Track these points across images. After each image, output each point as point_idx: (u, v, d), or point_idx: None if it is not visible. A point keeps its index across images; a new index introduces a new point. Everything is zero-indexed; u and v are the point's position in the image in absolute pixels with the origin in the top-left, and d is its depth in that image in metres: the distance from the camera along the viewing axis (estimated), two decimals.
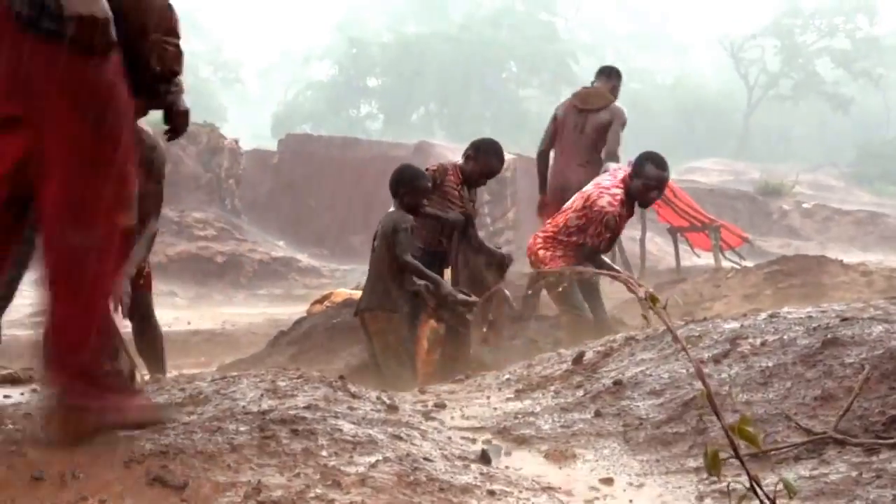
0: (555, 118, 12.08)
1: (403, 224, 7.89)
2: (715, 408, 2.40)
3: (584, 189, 9.49)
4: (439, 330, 8.01)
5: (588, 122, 11.66)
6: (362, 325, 8.23)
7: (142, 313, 7.86)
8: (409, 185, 8.06)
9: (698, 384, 4.16)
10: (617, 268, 9.82)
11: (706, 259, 22.90)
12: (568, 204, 9.48)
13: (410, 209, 8.04)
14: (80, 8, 3.51)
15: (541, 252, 9.48)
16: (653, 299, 2.54)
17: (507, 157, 34.22)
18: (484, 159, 8.96)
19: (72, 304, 3.84)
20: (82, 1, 3.51)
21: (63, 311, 3.85)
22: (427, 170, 8.78)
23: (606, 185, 9.22)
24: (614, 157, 11.30)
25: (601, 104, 11.62)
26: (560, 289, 9.16)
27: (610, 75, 12.14)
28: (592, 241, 9.13)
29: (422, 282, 7.96)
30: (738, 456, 2.36)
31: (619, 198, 9.10)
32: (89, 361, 3.69)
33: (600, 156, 11.47)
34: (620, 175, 9.28)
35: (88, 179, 3.76)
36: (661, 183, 9.19)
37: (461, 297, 8.02)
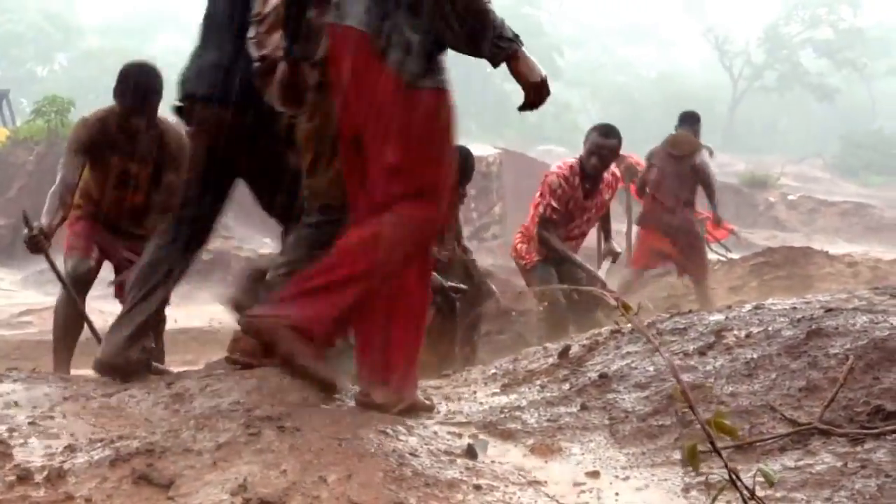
0: (651, 166, 12.67)
1: None
2: (690, 403, 2.40)
3: None
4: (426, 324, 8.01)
5: (682, 166, 12.37)
6: None
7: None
8: None
9: (684, 377, 4.17)
10: (588, 267, 9.79)
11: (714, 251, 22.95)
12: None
13: None
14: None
15: (519, 247, 9.70)
16: (625, 307, 2.55)
17: (493, 151, 34.03)
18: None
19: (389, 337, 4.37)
20: None
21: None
22: None
23: (562, 160, 9.47)
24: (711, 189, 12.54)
25: (691, 149, 12.13)
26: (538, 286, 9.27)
27: (692, 121, 12.76)
28: (542, 210, 9.38)
29: None
30: (715, 449, 2.37)
31: (568, 164, 9.45)
32: None
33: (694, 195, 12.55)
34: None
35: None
36: (601, 149, 9.31)
37: (451, 284, 8.05)
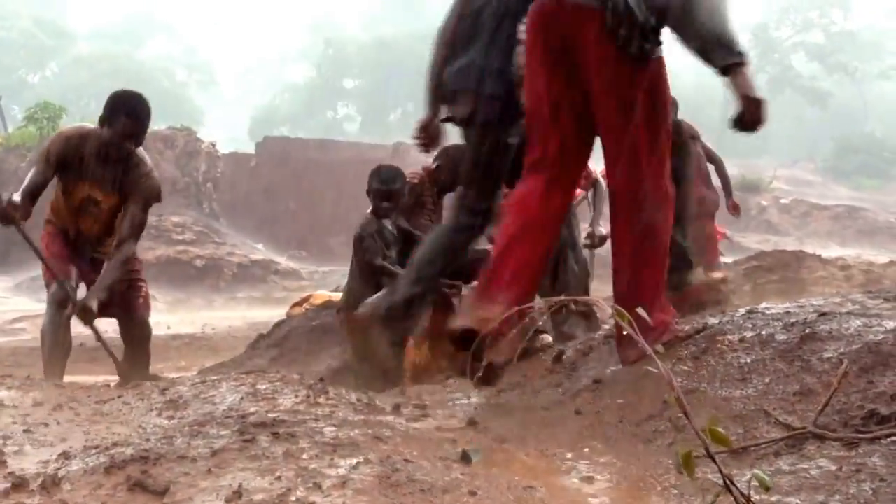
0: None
1: (368, 230, 8.00)
2: (685, 410, 2.41)
3: None
4: (422, 323, 8.04)
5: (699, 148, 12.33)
6: (342, 325, 8.37)
7: (142, 337, 7.93)
8: (369, 187, 8.12)
9: (677, 381, 4.18)
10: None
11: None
12: None
13: (375, 212, 8.09)
14: None
15: None
16: (620, 314, 2.55)
17: None
18: (454, 168, 8.86)
19: (651, 269, 4.92)
20: None
21: (644, 276, 4.91)
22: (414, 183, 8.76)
23: None
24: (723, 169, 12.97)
25: (693, 132, 12.23)
26: None
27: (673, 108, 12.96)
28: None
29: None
30: (710, 455, 2.37)
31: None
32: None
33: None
34: None
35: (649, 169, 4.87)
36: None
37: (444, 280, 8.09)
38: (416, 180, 8.75)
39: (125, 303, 7.71)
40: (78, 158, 7.27)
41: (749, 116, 4.62)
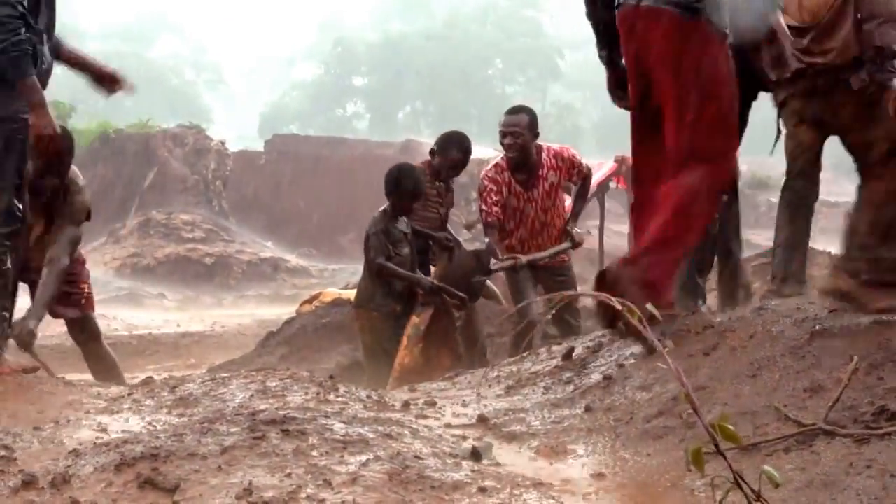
0: None
1: (374, 228, 8.05)
2: (695, 407, 2.40)
3: None
4: (420, 325, 8.06)
5: None
6: (353, 322, 8.45)
7: (90, 334, 7.88)
8: (392, 186, 8.15)
9: (687, 378, 4.17)
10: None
11: None
12: None
13: (397, 210, 8.10)
14: None
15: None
16: (630, 311, 2.54)
17: (494, 153, 34.05)
18: (446, 152, 8.90)
19: (684, 231, 5.23)
20: None
21: (675, 235, 5.20)
22: None
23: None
24: None
25: None
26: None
27: None
28: (480, 212, 9.09)
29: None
30: (720, 451, 2.36)
31: (494, 162, 9.20)
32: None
33: None
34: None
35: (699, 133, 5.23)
36: (510, 126, 9.06)
37: (447, 287, 8.11)
38: None
39: (69, 306, 7.65)
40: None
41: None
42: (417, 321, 8.06)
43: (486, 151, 32.94)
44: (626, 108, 5.77)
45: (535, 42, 78.73)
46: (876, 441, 3.26)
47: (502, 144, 9.04)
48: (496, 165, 9.03)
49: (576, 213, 9.48)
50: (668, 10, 5.23)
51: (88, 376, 7.77)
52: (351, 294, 11.72)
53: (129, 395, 4.89)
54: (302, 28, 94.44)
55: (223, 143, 34.96)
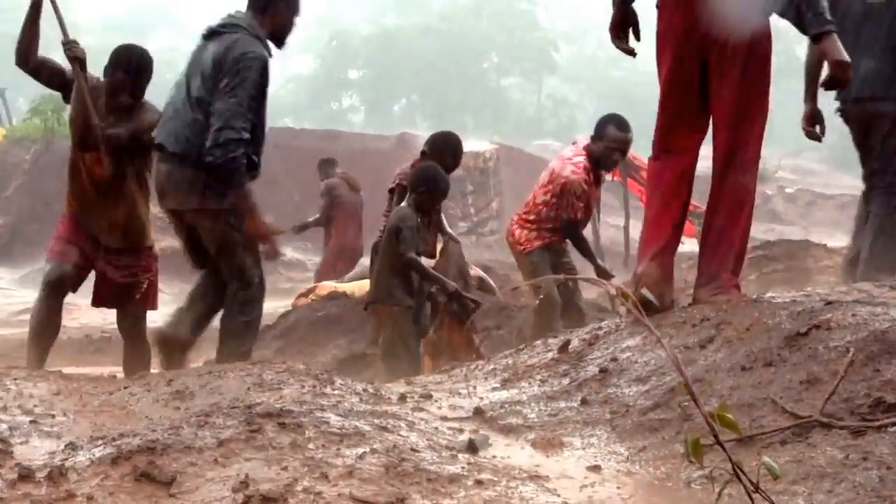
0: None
1: (409, 222, 8.04)
2: (693, 396, 2.40)
3: (550, 164, 9.61)
4: (440, 343, 8.14)
5: None
6: (372, 316, 8.46)
7: (138, 330, 7.93)
8: (427, 185, 8.16)
9: (684, 370, 4.18)
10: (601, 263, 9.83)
11: (691, 245, 22.93)
12: (538, 181, 9.57)
13: (422, 209, 8.13)
14: None
15: (517, 232, 9.57)
16: (624, 295, 2.54)
17: (489, 147, 33.81)
18: (439, 156, 8.89)
19: (734, 227, 5.67)
20: None
21: (728, 233, 5.67)
22: (398, 185, 8.85)
23: (569, 156, 9.35)
24: None
25: None
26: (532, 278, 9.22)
27: None
28: (567, 212, 9.30)
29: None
30: (719, 442, 2.36)
31: (581, 165, 9.28)
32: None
33: None
34: (583, 144, 9.49)
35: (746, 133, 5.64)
36: (623, 144, 9.33)
37: (469, 296, 8.19)
38: (403, 181, 8.82)
39: (123, 295, 7.70)
40: None
41: (839, 76, 5.51)
42: (435, 339, 8.16)
43: (482, 144, 32.98)
44: (624, 50, 5.93)
45: (530, 35, 78.69)
46: (872, 433, 3.26)
47: (608, 158, 9.42)
48: (586, 168, 9.35)
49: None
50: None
51: (97, 369, 7.79)
52: (347, 287, 11.74)
53: (125, 388, 4.89)
54: (299, 21, 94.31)
55: None
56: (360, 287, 12.08)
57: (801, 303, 4.77)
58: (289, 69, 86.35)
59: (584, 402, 4.36)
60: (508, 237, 9.77)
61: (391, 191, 9.05)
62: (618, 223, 23.76)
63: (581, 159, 9.27)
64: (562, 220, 9.25)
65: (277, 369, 4.95)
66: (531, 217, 9.46)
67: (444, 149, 8.91)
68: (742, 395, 3.87)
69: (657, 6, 5.77)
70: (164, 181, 7.02)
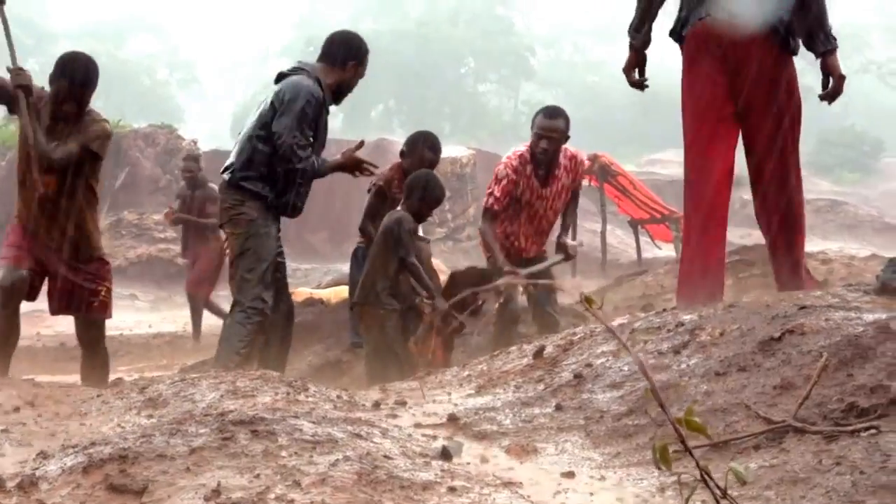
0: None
1: (407, 225, 8.06)
2: (660, 400, 2.40)
3: None
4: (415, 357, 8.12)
5: None
6: (357, 317, 8.44)
7: (93, 338, 7.92)
8: (422, 191, 8.21)
9: (658, 376, 4.18)
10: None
11: (667, 251, 22.96)
12: None
13: (417, 213, 8.15)
14: None
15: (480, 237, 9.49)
16: (588, 300, 2.54)
17: (466, 152, 33.89)
18: (417, 152, 8.94)
19: (798, 235, 6.76)
20: None
21: (796, 241, 6.76)
22: (376, 185, 8.88)
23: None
24: None
25: None
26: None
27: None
28: (485, 201, 9.18)
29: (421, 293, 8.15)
30: (686, 448, 2.36)
31: (518, 152, 9.16)
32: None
33: None
34: None
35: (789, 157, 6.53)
36: (548, 131, 9.05)
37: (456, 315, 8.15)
38: (381, 182, 8.83)
39: (81, 302, 7.69)
40: None
41: (838, 90, 6.50)
42: (415, 349, 8.12)
43: (459, 150, 33.05)
44: (637, 86, 6.92)
45: (507, 40, 78.85)
46: (845, 438, 3.26)
47: (536, 147, 9.07)
48: (521, 156, 9.11)
49: (569, 224, 9.61)
50: (770, 37, 6.39)
51: (70, 377, 7.76)
52: (323, 294, 11.72)
53: (97, 396, 4.87)
54: (276, 27, 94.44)
55: (195, 143, 34.85)
56: (337, 294, 12.08)
57: (776, 308, 4.79)
58: (265, 74, 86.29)
59: (558, 408, 4.36)
60: (480, 244, 9.70)
61: (370, 191, 9.07)
62: (595, 228, 23.79)
63: (521, 149, 9.20)
64: (484, 209, 9.17)
65: (251, 377, 4.94)
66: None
67: (419, 144, 8.96)
68: (716, 401, 3.88)
69: (682, 41, 6.63)
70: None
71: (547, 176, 9.15)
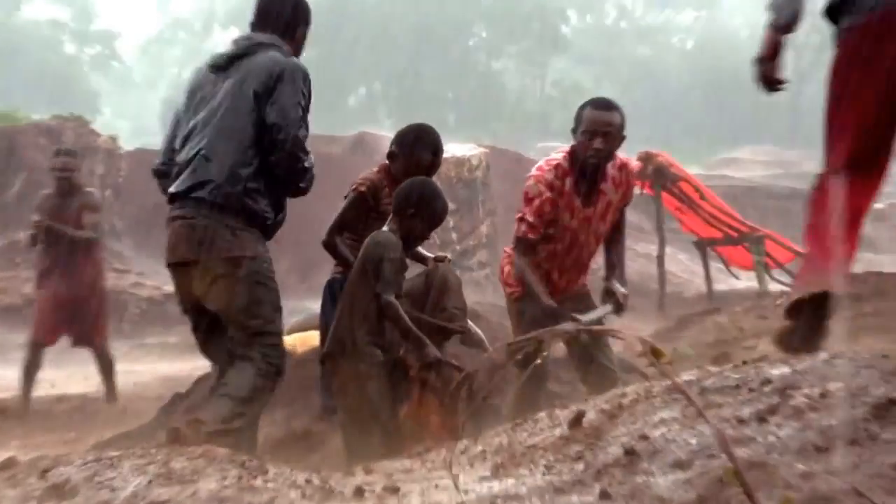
0: None
1: (392, 252, 7.91)
2: (747, 488, 2.39)
3: None
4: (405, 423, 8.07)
5: None
6: (330, 373, 8.32)
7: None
8: (419, 205, 8.05)
9: (738, 451, 4.16)
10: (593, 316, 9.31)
11: (746, 281, 23.01)
12: None
13: (411, 235, 8.05)
14: None
15: (506, 269, 9.30)
16: (655, 353, 2.52)
17: (476, 151, 34.01)
18: (410, 152, 8.83)
19: None
20: None
21: None
22: (356, 190, 8.83)
23: (548, 157, 9.05)
24: None
25: None
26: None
27: None
28: (516, 229, 9.01)
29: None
30: None
31: (553, 163, 8.96)
32: None
33: None
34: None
35: None
36: (603, 126, 8.78)
37: (452, 363, 8.05)
38: (363, 188, 8.77)
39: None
40: None
41: None
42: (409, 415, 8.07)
43: (467, 148, 32.95)
44: (776, 81, 7.24)
45: (530, 2, 78.97)
46: None
47: (586, 147, 8.82)
48: (556, 167, 8.90)
49: (616, 260, 9.39)
50: None
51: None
52: (287, 341, 11.73)
53: None
54: None
55: (114, 140, 34.97)
56: (304, 340, 12.05)
57: (895, 359, 4.77)
58: (209, 48, 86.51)
59: (604, 495, 4.35)
60: (500, 274, 9.54)
61: (347, 196, 8.99)
62: (649, 251, 23.81)
63: (556, 157, 9.00)
64: (515, 240, 9.00)
65: (190, 455, 4.93)
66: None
67: (417, 144, 8.85)
68: (817, 485, 3.86)
69: (845, 28, 6.88)
70: None
71: (590, 191, 8.99)
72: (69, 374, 20.25)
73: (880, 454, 3.92)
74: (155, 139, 57.05)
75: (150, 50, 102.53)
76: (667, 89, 74.53)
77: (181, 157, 8.03)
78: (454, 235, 30.29)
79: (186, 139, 8.02)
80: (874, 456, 3.93)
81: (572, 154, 8.87)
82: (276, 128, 7.66)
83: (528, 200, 8.75)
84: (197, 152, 7.88)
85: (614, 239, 9.36)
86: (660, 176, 21.06)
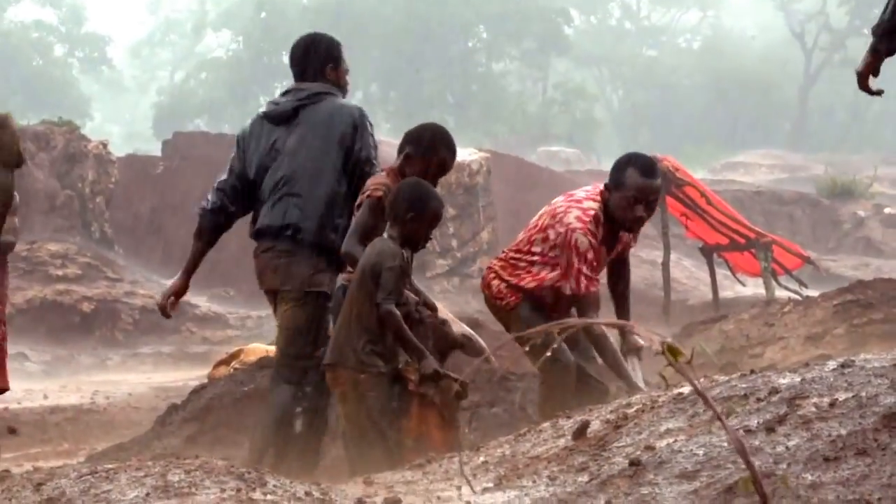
0: None
1: (391, 261, 7.83)
2: (764, 498, 2.41)
3: (553, 201, 9.23)
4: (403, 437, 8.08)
5: None
6: (330, 384, 8.28)
7: None
8: (416, 207, 7.99)
9: (743, 463, 4.18)
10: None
11: (753, 287, 23.01)
12: (533, 220, 9.21)
13: (411, 240, 8.01)
14: None
15: (494, 283, 9.23)
16: (672, 351, 2.53)
17: (478, 155, 34.19)
18: (430, 152, 8.75)
19: None
20: None
21: None
22: (371, 196, 8.76)
23: (579, 198, 8.94)
24: None
25: None
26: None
27: None
28: (577, 285, 8.83)
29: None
30: None
31: (591, 213, 8.82)
32: None
33: None
34: (600, 187, 9.06)
35: None
36: (648, 194, 8.80)
37: (451, 374, 8.02)
38: (379, 193, 8.70)
39: None
40: None
41: None
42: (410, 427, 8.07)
43: (467, 152, 32.94)
44: (874, 94, 7.52)
45: (532, 2, 78.90)
46: None
47: (626, 212, 8.84)
48: (594, 217, 8.83)
49: (623, 290, 9.58)
50: None
51: None
52: None
53: None
54: None
55: (105, 146, 34.90)
56: None
57: None
58: (201, 53, 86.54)
59: None
60: (484, 290, 9.43)
61: (358, 205, 8.91)
62: (654, 258, 23.84)
63: (593, 206, 8.86)
64: (577, 300, 8.93)
65: (188, 467, 4.94)
66: (519, 262, 9.18)
67: (439, 143, 8.73)
68: (826, 496, 3.88)
69: None
70: None
71: (614, 236, 9.06)
72: (63, 384, 20.26)
73: (891, 465, 3.94)
74: (147, 145, 57.01)
75: (141, 53, 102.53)
76: (672, 91, 74.47)
77: (264, 196, 8.95)
78: (454, 242, 30.32)
79: (271, 184, 8.89)
80: (884, 466, 3.95)
81: (605, 204, 8.84)
82: (368, 163, 8.63)
83: (580, 254, 8.63)
84: (284, 195, 8.77)
85: (620, 273, 9.55)
86: (665, 181, 21.04)
